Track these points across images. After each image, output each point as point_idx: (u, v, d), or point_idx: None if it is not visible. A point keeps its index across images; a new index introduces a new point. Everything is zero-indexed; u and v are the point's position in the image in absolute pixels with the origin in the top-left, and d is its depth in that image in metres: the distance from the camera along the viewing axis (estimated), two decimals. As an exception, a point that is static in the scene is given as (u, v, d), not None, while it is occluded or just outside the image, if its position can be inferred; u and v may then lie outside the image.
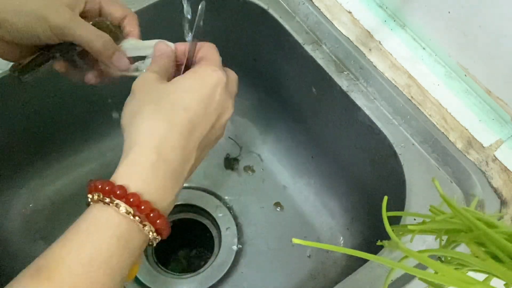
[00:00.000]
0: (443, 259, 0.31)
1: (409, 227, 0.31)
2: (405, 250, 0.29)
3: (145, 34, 0.58)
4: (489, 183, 0.48)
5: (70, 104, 0.59)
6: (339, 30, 0.55)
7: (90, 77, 0.42)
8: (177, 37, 0.59)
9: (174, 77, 0.37)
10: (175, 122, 0.32)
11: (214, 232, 0.65)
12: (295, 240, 0.29)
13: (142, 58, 0.42)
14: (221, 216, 0.65)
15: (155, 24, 0.58)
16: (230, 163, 0.69)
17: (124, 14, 0.42)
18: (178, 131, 0.32)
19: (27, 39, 0.37)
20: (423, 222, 0.31)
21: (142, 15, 0.55)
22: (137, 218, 0.29)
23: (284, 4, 0.58)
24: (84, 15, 0.39)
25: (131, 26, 0.42)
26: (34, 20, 0.36)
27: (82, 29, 0.37)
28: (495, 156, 0.48)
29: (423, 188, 0.48)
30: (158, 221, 0.30)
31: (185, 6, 0.44)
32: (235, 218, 0.65)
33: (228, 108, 0.36)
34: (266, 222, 0.65)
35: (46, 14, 0.36)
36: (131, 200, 0.30)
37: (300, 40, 0.56)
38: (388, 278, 0.34)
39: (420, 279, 0.28)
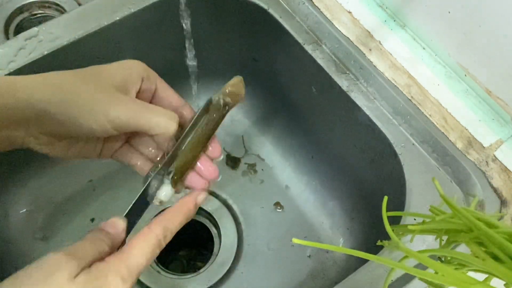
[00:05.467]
0: (443, 259, 0.31)
1: (409, 227, 0.31)
2: (405, 250, 0.29)
3: (145, 34, 0.59)
4: (489, 183, 0.48)
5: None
6: (339, 30, 0.55)
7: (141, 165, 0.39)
8: (176, 37, 0.59)
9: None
10: None
11: (214, 232, 0.65)
12: (295, 240, 0.29)
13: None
14: (221, 216, 0.65)
15: (155, 24, 0.58)
16: (231, 162, 0.69)
17: (181, 103, 0.38)
18: None
19: (76, 134, 0.33)
20: (423, 222, 0.31)
21: (142, 15, 0.55)
22: None
23: (284, 4, 0.58)
24: (139, 96, 0.35)
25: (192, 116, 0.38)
26: (89, 115, 0.31)
27: (150, 114, 0.33)
28: (495, 156, 0.48)
29: (423, 188, 0.48)
30: None
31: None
32: (235, 218, 0.65)
33: None
34: (266, 222, 0.65)
35: (104, 108, 0.32)
36: None
37: (300, 40, 0.56)
38: (388, 278, 0.34)
39: (420, 279, 0.28)
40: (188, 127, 0.37)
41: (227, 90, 0.37)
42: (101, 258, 0.30)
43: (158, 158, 0.39)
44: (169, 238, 0.33)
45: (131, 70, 0.35)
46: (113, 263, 0.29)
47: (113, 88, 0.33)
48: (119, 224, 0.33)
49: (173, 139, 0.36)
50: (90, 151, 0.37)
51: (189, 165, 0.37)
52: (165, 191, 0.37)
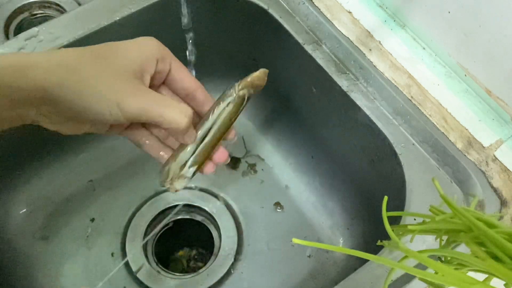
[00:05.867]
0: (443, 259, 0.31)
1: (409, 227, 0.31)
2: (405, 250, 0.29)
3: (145, 34, 0.58)
4: (489, 183, 0.48)
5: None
6: (339, 30, 0.55)
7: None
8: (176, 37, 0.59)
9: None
10: None
11: (214, 232, 0.65)
12: (295, 240, 0.29)
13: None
14: (221, 216, 0.65)
15: (155, 24, 0.58)
16: (232, 162, 0.69)
17: (195, 86, 0.37)
18: None
19: (89, 119, 0.33)
20: (423, 222, 0.31)
21: (142, 15, 0.55)
22: None
23: (284, 4, 0.58)
24: (152, 78, 0.35)
25: (207, 101, 0.38)
26: (102, 104, 0.31)
27: (162, 108, 0.32)
28: (495, 156, 0.48)
29: (423, 188, 0.48)
30: None
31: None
32: (235, 218, 0.65)
33: None
34: (266, 222, 0.65)
35: (118, 98, 0.31)
36: None
37: (300, 40, 0.56)
38: (388, 278, 0.34)
39: (420, 279, 0.28)
40: (209, 119, 0.37)
41: (253, 83, 0.37)
42: None
43: (175, 149, 0.38)
44: None
45: (146, 52, 0.34)
46: None
47: (128, 74, 0.32)
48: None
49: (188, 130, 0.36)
50: (99, 128, 0.36)
51: (208, 156, 0.38)
52: (183, 183, 0.38)
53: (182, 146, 0.38)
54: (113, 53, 0.33)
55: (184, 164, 0.37)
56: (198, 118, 0.38)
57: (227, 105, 0.37)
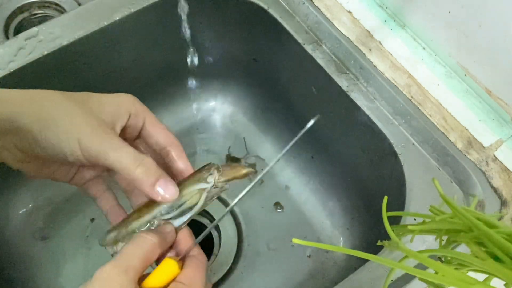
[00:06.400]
0: (443, 259, 0.31)
1: (409, 227, 0.31)
2: (405, 250, 0.29)
3: (145, 34, 0.59)
4: (489, 183, 0.48)
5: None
6: (339, 30, 0.55)
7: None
8: (176, 37, 0.59)
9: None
10: None
11: (214, 232, 0.65)
12: (295, 240, 0.29)
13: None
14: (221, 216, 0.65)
15: (155, 24, 0.58)
16: (232, 162, 0.69)
17: (169, 142, 0.37)
18: None
19: (50, 156, 0.32)
20: (423, 222, 0.31)
21: (142, 15, 0.55)
22: None
23: (284, 4, 0.58)
24: (125, 132, 0.35)
25: (180, 158, 0.37)
26: (63, 138, 0.31)
27: (117, 153, 0.32)
28: (495, 156, 0.48)
29: (423, 188, 0.48)
30: None
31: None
32: (235, 218, 0.65)
33: None
34: (266, 222, 0.65)
35: (79, 134, 0.31)
36: None
37: (300, 40, 0.56)
38: (388, 278, 0.34)
39: (420, 279, 0.28)
40: (182, 201, 0.35)
41: (235, 177, 0.37)
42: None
43: (129, 214, 0.37)
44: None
45: (120, 104, 0.35)
46: None
47: (97, 118, 0.33)
48: (167, 226, 0.34)
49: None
50: (62, 174, 0.37)
51: None
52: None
53: (139, 213, 0.36)
54: (86, 99, 0.34)
55: (134, 232, 0.35)
56: (169, 174, 0.36)
57: (202, 193, 0.35)
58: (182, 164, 0.37)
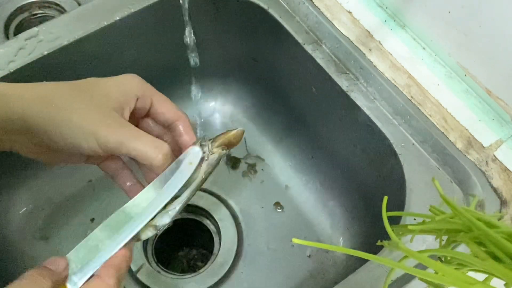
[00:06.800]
0: (443, 259, 0.31)
1: (409, 227, 0.31)
2: (405, 250, 0.29)
3: (145, 34, 0.59)
4: (489, 183, 0.48)
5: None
6: (339, 30, 0.55)
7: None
8: (176, 37, 0.59)
9: None
10: None
11: (214, 232, 0.65)
12: (295, 240, 0.29)
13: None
14: (221, 216, 0.65)
15: (155, 24, 0.58)
16: (232, 162, 0.69)
17: (177, 117, 0.37)
18: None
19: (65, 149, 0.33)
20: (423, 222, 0.31)
21: (142, 15, 0.55)
22: None
23: (284, 4, 0.58)
24: (133, 113, 0.36)
25: (186, 132, 0.37)
26: (79, 135, 0.31)
27: (137, 143, 0.32)
28: (495, 156, 0.48)
29: (423, 188, 0.48)
30: None
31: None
32: (235, 218, 0.65)
33: None
34: (266, 222, 0.65)
35: (95, 129, 0.31)
36: None
37: (300, 40, 0.56)
38: (388, 278, 0.34)
39: (420, 279, 0.28)
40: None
41: (230, 141, 0.37)
42: None
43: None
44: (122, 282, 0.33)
45: (126, 89, 0.35)
46: None
47: (106, 107, 0.33)
48: (60, 262, 0.33)
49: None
50: (76, 159, 0.37)
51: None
52: (149, 232, 0.36)
53: None
54: (93, 87, 0.34)
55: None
56: (175, 147, 0.37)
57: (202, 166, 0.36)
58: (188, 138, 0.37)
